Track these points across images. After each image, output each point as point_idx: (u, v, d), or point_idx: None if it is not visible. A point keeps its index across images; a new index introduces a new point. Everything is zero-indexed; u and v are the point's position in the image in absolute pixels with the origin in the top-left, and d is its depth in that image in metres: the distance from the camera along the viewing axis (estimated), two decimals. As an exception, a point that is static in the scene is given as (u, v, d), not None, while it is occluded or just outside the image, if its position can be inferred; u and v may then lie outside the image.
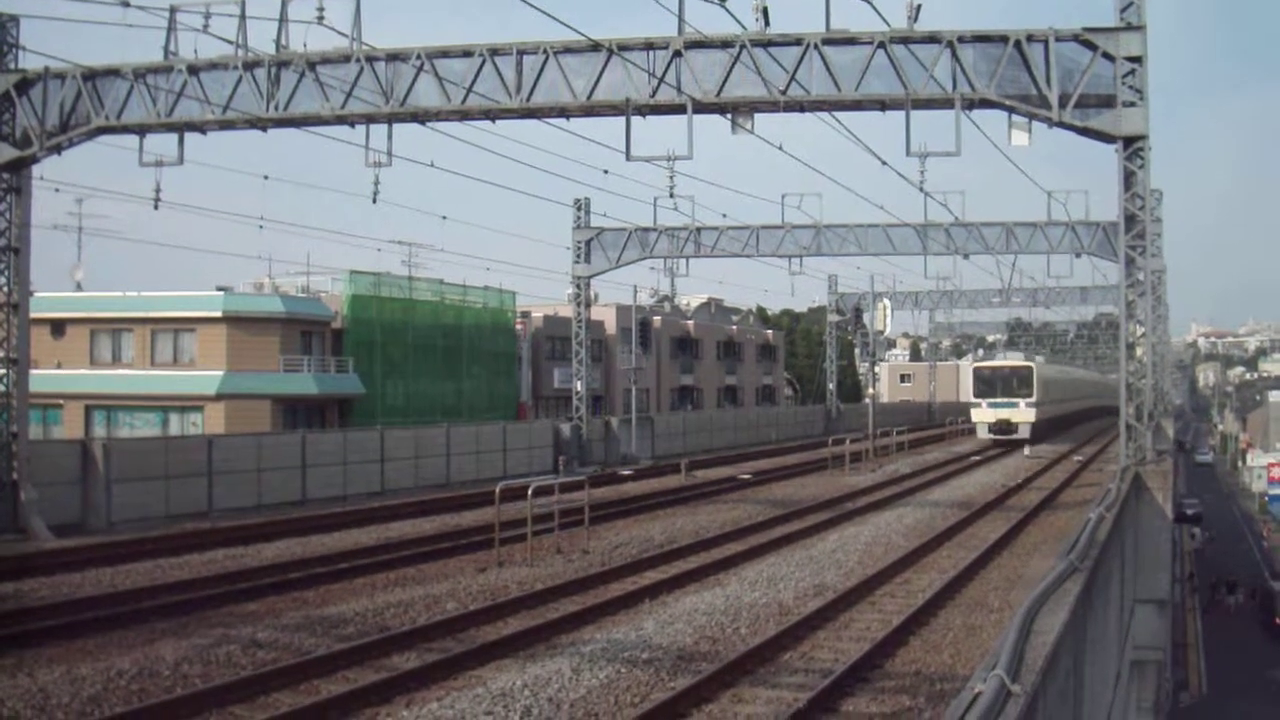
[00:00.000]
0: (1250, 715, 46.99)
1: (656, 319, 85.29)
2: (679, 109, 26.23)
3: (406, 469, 41.32)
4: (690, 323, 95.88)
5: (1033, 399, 66.51)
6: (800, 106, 26.19)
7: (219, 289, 59.46)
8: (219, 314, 55.12)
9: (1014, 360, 72.49)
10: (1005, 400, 66.63)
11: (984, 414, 68.24)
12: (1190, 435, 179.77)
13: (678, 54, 26.12)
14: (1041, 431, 68.73)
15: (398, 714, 13.71)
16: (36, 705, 13.72)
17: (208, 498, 33.08)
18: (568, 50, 26.39)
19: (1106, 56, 25.68)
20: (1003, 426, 66.55)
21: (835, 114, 26.26)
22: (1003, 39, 25.68)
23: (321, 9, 24.80)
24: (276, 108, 27.09)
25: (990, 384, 68.08)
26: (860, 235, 50.61)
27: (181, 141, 28.29)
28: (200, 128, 28.05)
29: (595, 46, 25.98)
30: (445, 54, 26.98)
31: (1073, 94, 25.60)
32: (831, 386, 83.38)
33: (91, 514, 30.12)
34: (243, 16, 26.33)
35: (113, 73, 27.94)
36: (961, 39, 25.66)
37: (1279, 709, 47.75)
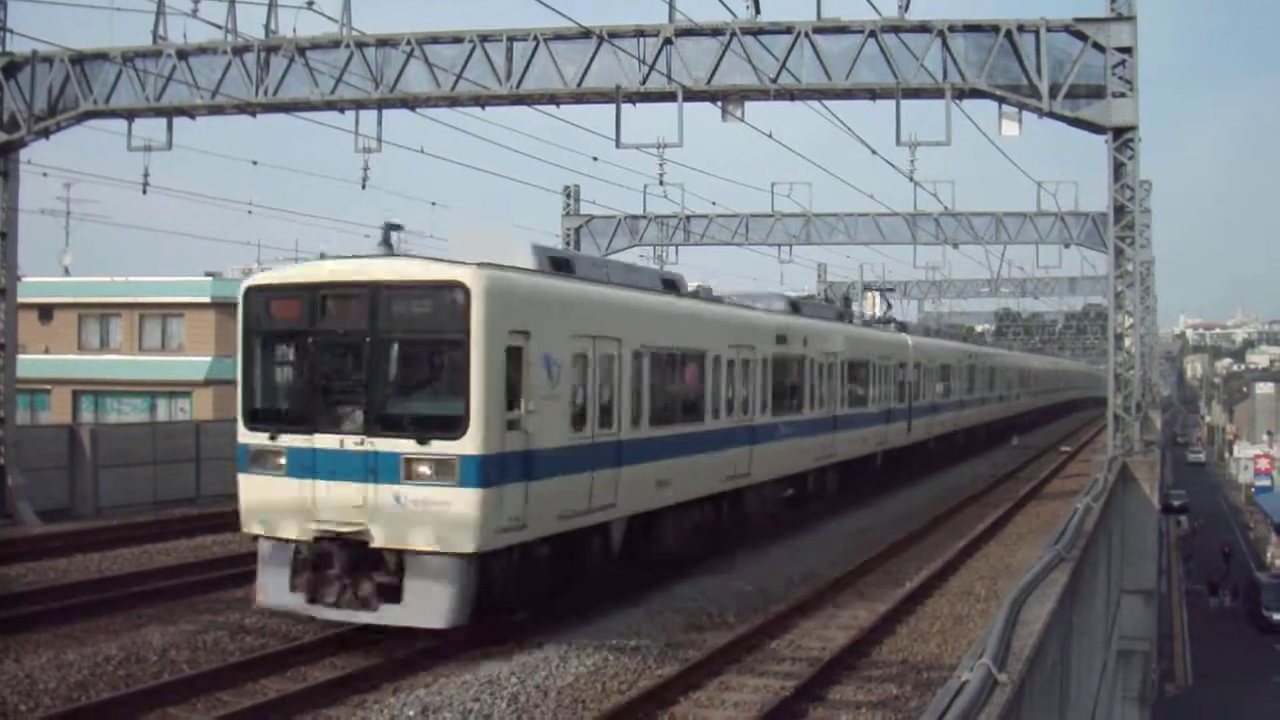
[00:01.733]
0: (1235, 706, 47.23)
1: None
2: (669, 97, 26.19)
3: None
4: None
5: (476, 427, 15.23)
6: (791, 95, 26.15)
7: (207, 274, 59.24)
8: (207, 299, 54.94)
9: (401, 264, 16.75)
10: (351, 452, 15.69)
11: (270, 492, 16.17)
12: (1178, 426, 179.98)
13: (668, 41, 26.07)
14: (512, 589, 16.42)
15: (385, 700, 13.71)
16: (24, 691, 13.70)
17: (195, 483, 32.97)
18: (558, 37, 26.32)
19: (1097, 47, 25.69)
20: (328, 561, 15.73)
21: (826, 103, 26.25)
22: (994, 29, 25.67)
23: (311, -6, 24.68)
24: (266, 93, 26.99)
25: (268, 360, 17.31)
26: (850, 224, 50.50)
27: (170, 126, 28.23)
28: (189, 112, 27.95)
29: (586, 33, 25.91)
30: (435, 40, 26.90)
31: (1063, 84, 25.60)
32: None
33: (79, 499, 30.03)
34: (232, 1, 26.25)
35: (101, 56, 27.81)
36: (952, 28, 25.66)
37: (1263, 699, 47.99)
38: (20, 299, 31.39)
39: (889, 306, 44.37)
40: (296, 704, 13.58)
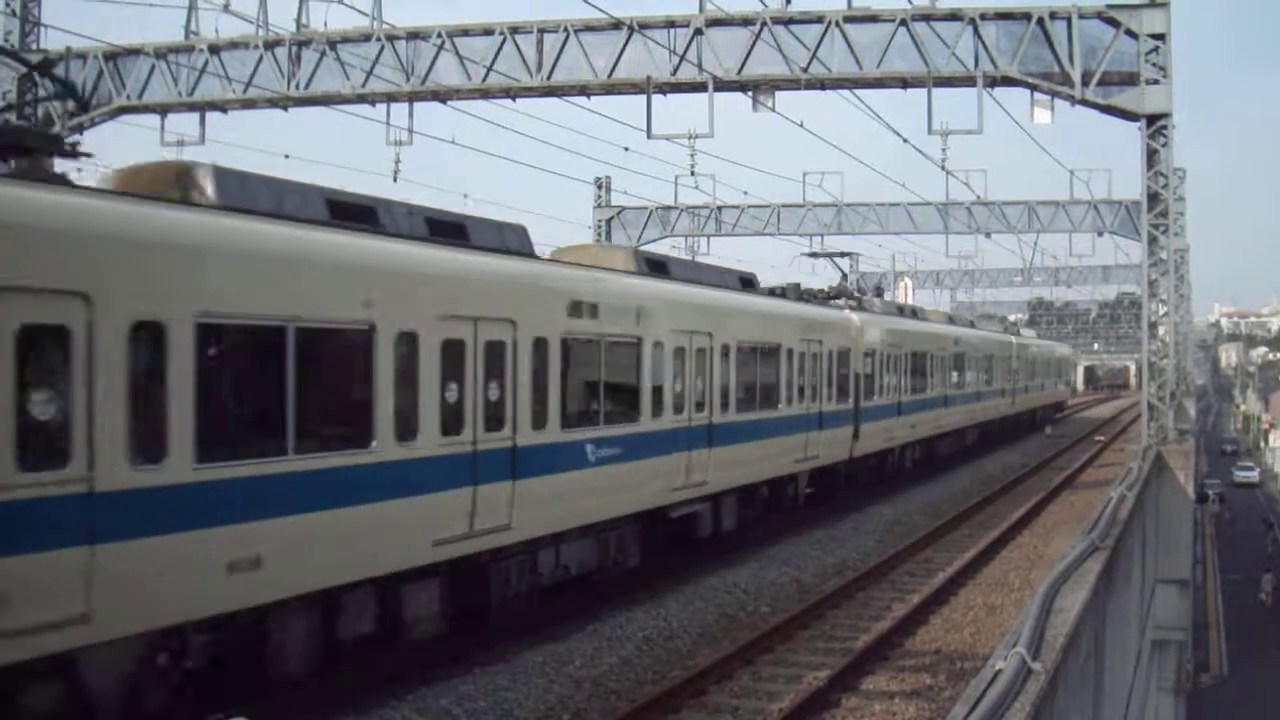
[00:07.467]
0: (1272, 696, 46.85)
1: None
2: (700, 87, 26.20)
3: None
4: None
5: None
6: (822, 84, 26.12)
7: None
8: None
9: None
10: None
11: None
12: (1212, 418, 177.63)
13: (699, 32, 26.07)
14: None
15: (417, 690, 13.72)
16: None
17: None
18: (588, 28, 26.37)
19: (1130, 33, 25.53)
20: None
21: (857, 92, 26.21)
22: (1025, 16, 25.56)
23: (342, -13, 24.87)
24: (298, 86, 27.18)
25: None
26: (881, 214, 50.39)
27: (203, 121, 28.58)
28: (222, 107, 28.18)
29: (616, 24, 25.94)
30: (466, 32, 27.02)
31: (1095, 71, 25.46)
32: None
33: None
34: (263, -5, 26.48)
35: (134, 52, 28.06)
36: (984, 16, 25.56)
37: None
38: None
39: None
40: (306, 706, 13.38)
